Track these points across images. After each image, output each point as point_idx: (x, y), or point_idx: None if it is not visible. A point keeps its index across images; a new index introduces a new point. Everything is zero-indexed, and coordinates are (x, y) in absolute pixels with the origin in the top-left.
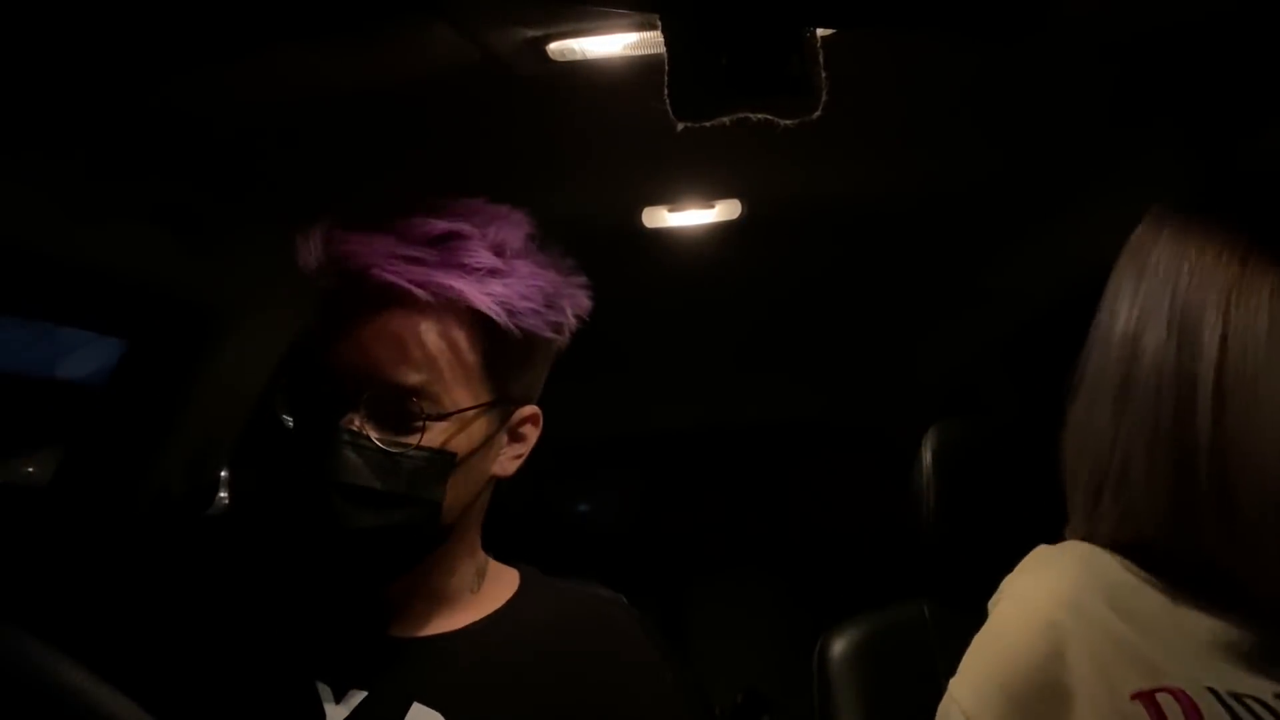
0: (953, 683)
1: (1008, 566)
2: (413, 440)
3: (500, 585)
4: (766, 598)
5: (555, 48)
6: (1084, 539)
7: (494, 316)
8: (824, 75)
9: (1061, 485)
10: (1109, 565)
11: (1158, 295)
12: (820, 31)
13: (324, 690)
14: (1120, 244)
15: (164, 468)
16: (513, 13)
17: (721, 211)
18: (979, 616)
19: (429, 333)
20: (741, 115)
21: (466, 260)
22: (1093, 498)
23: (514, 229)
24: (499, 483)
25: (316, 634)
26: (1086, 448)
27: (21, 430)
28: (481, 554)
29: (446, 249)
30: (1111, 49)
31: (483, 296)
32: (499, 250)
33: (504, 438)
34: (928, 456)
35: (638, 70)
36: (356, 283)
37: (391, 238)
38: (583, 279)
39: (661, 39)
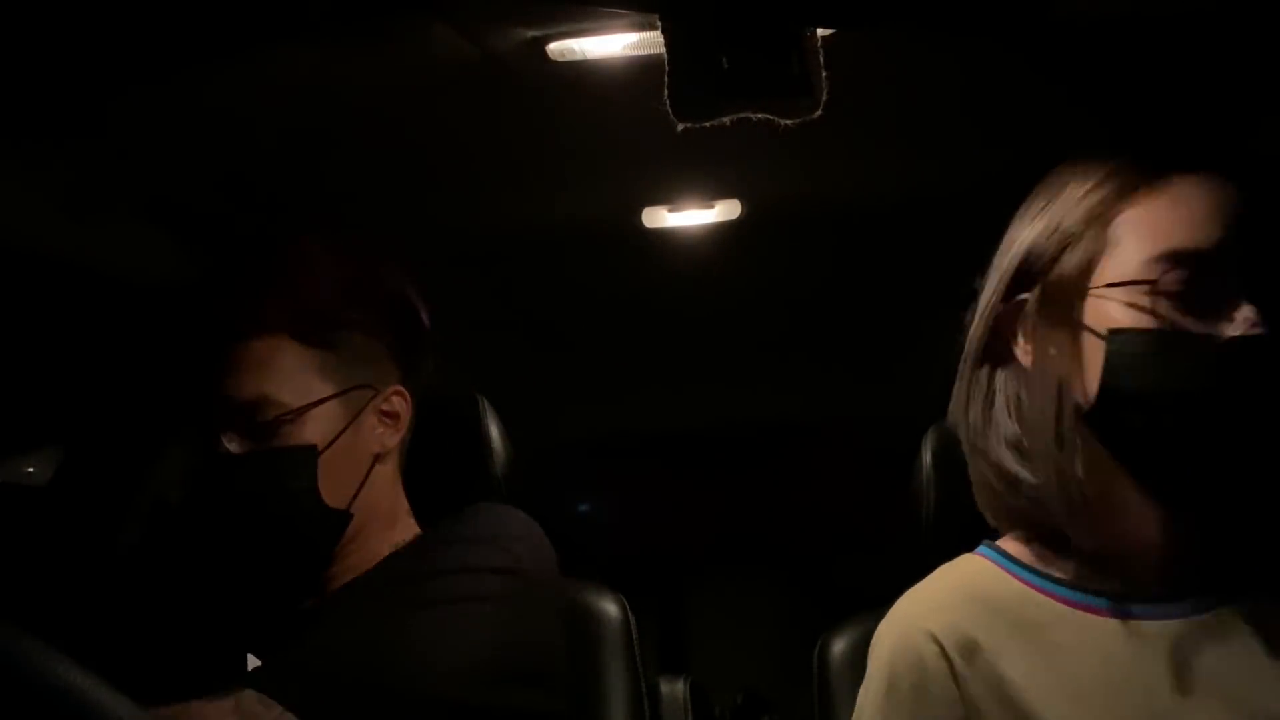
0: None
1: None
2: (273, 443)
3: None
4: (766, 598)
5: (555, 48)
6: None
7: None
8: (824, 75)
9: None
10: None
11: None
12: (820, 31)
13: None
14: None
15: (164, 468)
16: (513, 13)
17: (721, 211)
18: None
19: (259, 354)
20: (742, 115)
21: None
22: None
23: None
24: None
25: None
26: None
27: (21, 430)
28: (403, 528)
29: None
30: (1112, 48)
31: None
32: (296, 265)
33: (372, 419)
34: (928, 456)
35: (638, 70)
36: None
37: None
38: (382, 260)
39: (661, 39)
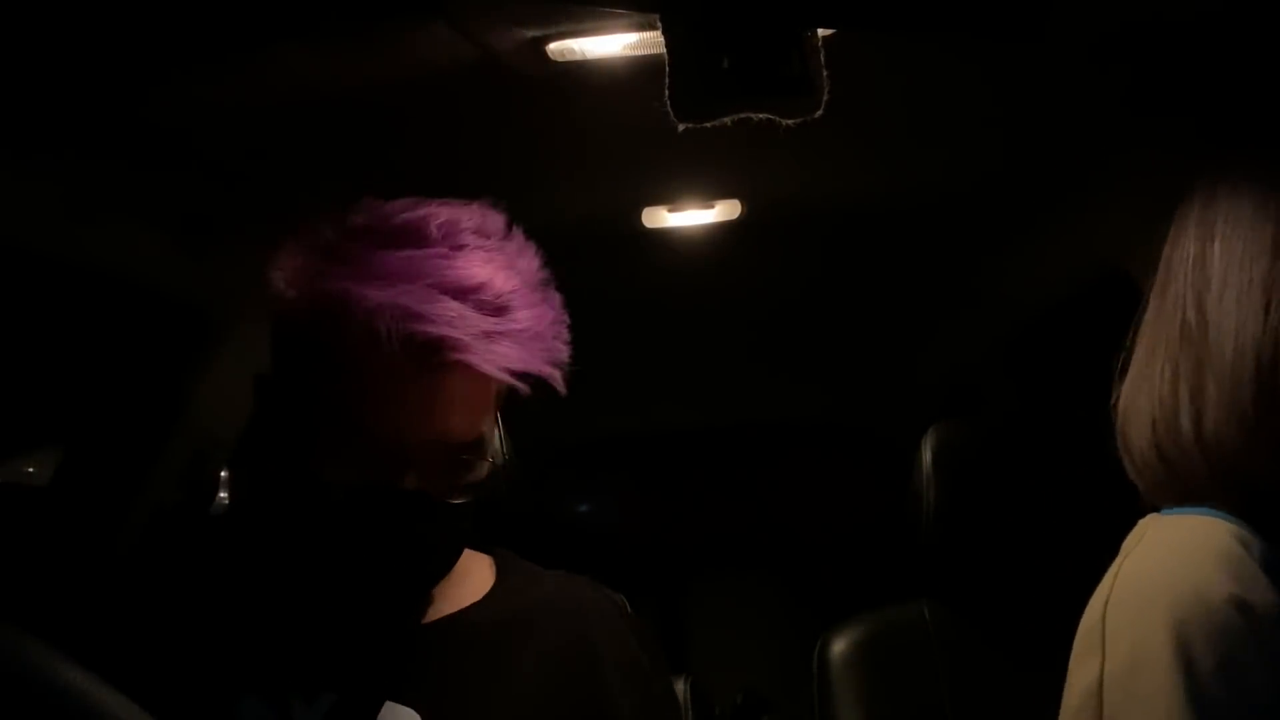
0: None
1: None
2: (461, 483)
3: (478, 572)
4: (766, 598)
5: (555, 48)
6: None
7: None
8: (824, 75)
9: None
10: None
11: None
12: (820, 31)
13: (294, 703)
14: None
15: (164, 468)
16: (513, 13)
17: (721, 211)
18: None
19: (483, 393)
20: (742, 115)
21: (514, 328)
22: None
23: (525, 260)
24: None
25: (288, 639)
26: None
27: (21, 430)
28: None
29: (500, 318)
30: (1113, 48)
31: (543, 366)
32: (516, 300)
33: None
34: (928, 456)
35: (638, 70)
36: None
37: (439, 294)
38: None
39: (661, 39)
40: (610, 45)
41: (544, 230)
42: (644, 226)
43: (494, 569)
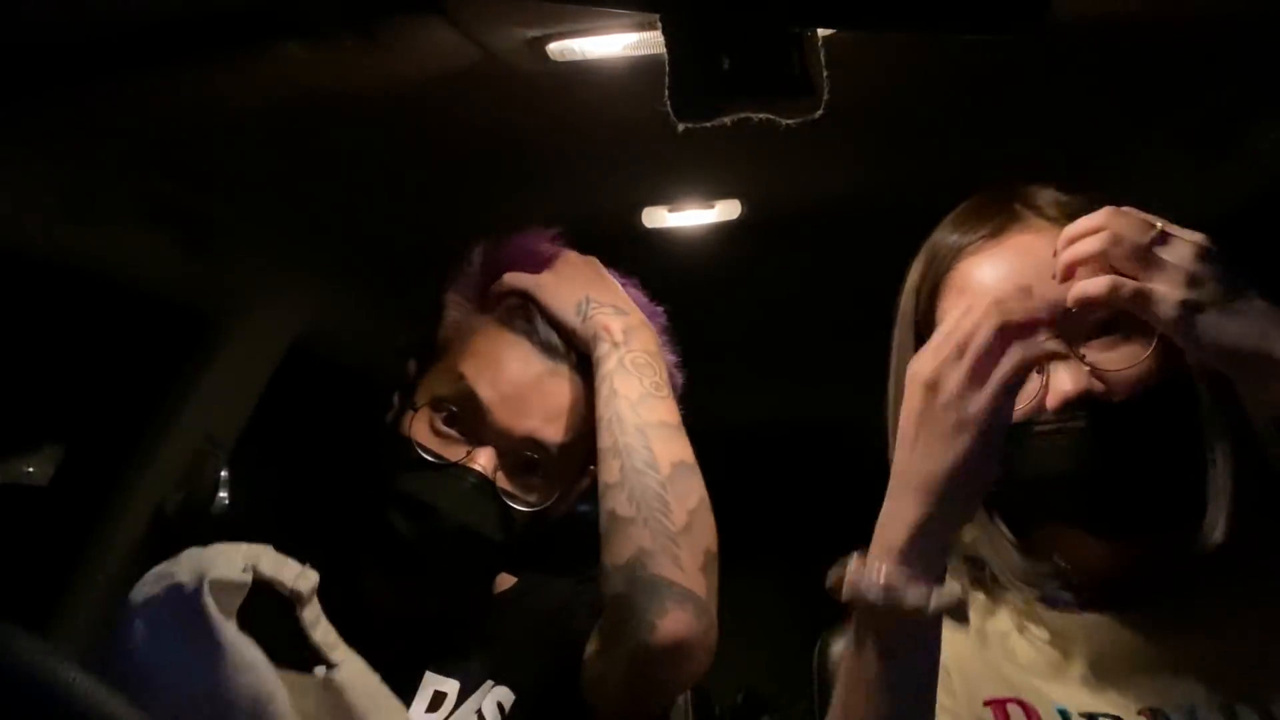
0: None
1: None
2: (530, 497)
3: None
4: (767, 597)
5: (555, 48)
6: None
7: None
8: (824, 75)
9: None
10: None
11: None
12: (820, 31)
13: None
14: None
15: (164, 468)
16: (513, 13)
17: (721, 211)
18: (978, 616)
19: (578, 396)
20: (742, 115)
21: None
22: None
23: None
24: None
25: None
26: None
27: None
28: None
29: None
30: (1113, 47)
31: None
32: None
33: None
34: None
35: (638, 70)
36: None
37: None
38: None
39: (661, 39)
40: (610, 45)
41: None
42: (644, 226)
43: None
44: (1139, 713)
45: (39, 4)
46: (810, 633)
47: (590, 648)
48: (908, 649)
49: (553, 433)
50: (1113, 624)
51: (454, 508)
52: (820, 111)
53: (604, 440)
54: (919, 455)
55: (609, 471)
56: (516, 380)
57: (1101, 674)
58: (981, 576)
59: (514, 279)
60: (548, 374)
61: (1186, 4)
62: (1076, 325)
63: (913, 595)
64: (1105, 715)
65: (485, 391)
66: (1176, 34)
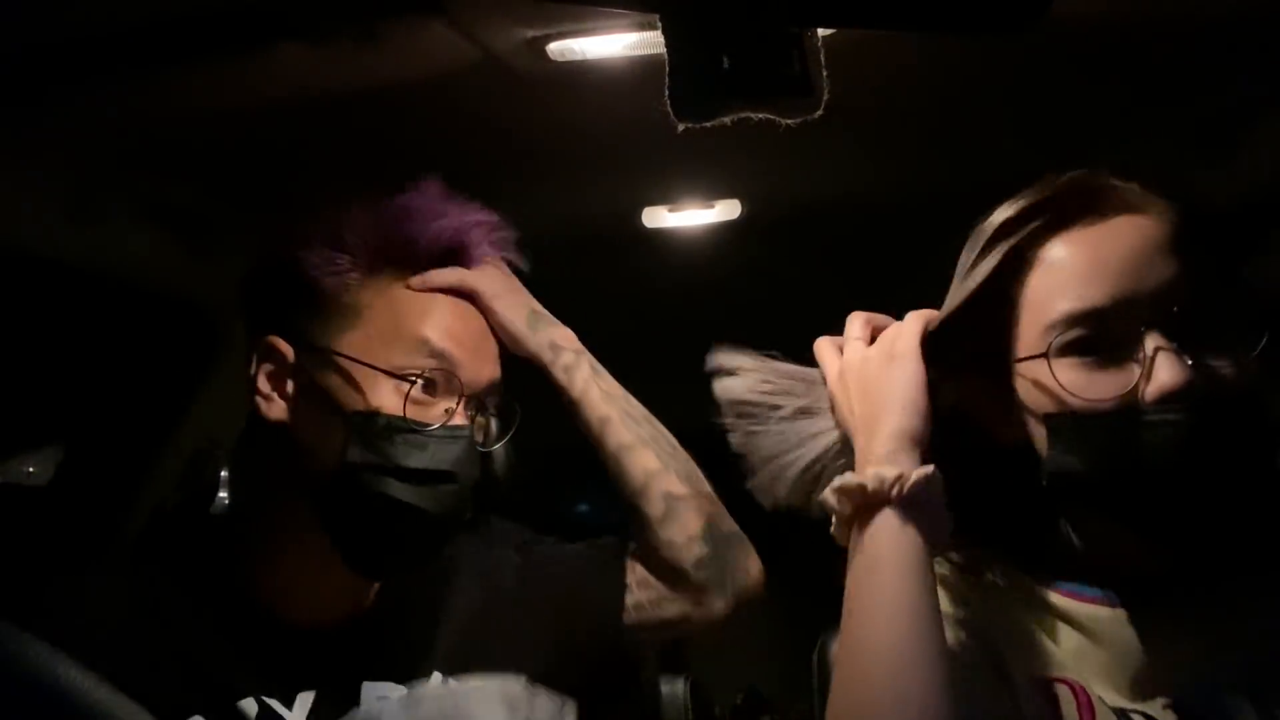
0: None
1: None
2: (481, 438)
3: None
4: (766, 597)
5: (555, 48)
6: None
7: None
8: (824, 75)
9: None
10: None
11: None
12: (820, 31)
13: (274, 704)
14: None
15: (164, 468)
16: (513, 13)
17: (721, 211)
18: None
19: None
20: (742, 115)
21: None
22: None
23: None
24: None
25: (245, 648)
26: None
27: (21, 430)
28: None
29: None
30: (1114, 47)
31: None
32: None
33: None
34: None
35: (638, 70)
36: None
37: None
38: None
39: (661, 39)
40: (610, 45)
41: (544, 230)
42: (644, 226)
43: None
44: (1165, 707)
45: (39, 4)
46: (810, 633)
47: (641, 596)
48: (896, 528)
49: (498, 370)
50: (1140, 618)
51: (465, 469)
52: (820, 111)
53: (623, 436)
54: (859, 398)
55: (647, 460)
56: (472, 333)
57: (1130, 668)
58: (1005, 568)
59: (456, 278)
60: (476, 318)
61: (1187, 3)
62: (1183, 322)
63: (890, 471)
64: (1136, 712)
65: (456, 352)
66: (1177, 33)
